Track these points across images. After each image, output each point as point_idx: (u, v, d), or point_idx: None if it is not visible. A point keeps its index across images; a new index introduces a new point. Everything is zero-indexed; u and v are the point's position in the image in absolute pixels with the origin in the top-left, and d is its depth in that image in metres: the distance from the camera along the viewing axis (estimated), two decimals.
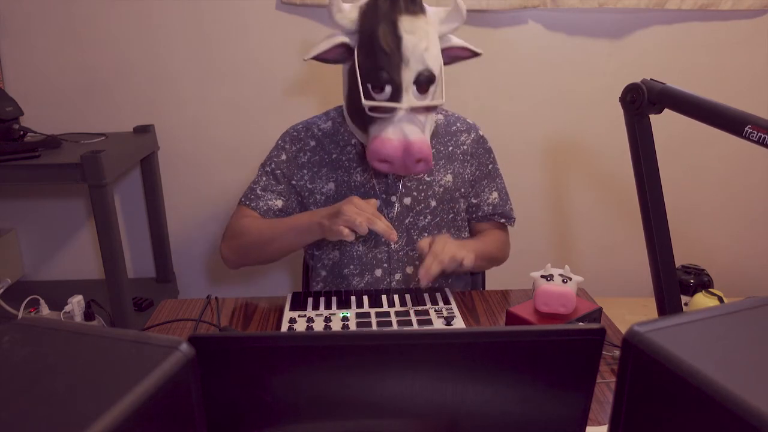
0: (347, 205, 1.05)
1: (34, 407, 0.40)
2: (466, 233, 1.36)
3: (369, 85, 1.05)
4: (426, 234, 1.26)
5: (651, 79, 0.94)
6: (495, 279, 1.60)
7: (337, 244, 1.26)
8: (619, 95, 0.96)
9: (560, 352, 0.56)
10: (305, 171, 1.25)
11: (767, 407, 0.39)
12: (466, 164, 1.30)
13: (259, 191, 1.26)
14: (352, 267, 1.25)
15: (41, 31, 1.82)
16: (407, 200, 1.25)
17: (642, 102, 0.93)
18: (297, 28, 1.83)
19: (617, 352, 0.99)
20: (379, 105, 1.05)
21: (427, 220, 1.26)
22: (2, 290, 1.79)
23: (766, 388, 0.41)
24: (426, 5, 1.08)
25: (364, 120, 1.09)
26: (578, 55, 1.90)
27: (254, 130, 1.93)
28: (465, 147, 1.29)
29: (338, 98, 1.21)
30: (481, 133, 1.33)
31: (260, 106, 1.91)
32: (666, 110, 0.93)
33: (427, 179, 1.26)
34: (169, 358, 0.44)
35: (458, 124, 1.31)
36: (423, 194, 1.25)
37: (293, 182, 1.26)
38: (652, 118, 0.95)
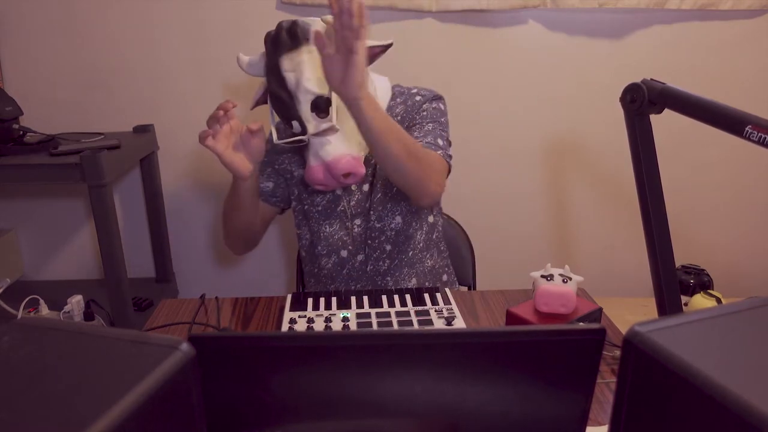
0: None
1: (34, 407, 0.39)
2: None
3: (284, 123, 1.17)
4: (388, 206, 1.30)
5: (651, 79, 0.94)
6: (495, 279, 1.60)
7: (310, 227, 1.35)
8: (619, 95, 0.96)
9: (560, 352, 0.56)
10: (284, 156, 1.35)
11: (767, 407, 0.39)
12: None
13: None
14: (319, 248, 1.33)
15: (41, 31, 1.82)
16: (366, 186, 1.30)
17: (642, 102, 0.93)
18: None
19: (617, 352, 0.99)
20: (286, 141, 1.17)
21: (388, 197, 1.29)
22: (2, 290, 1.78)
23: (766, 388, 0.41)
24: (312, 21, 1.12)
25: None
26: (578, 55, 1.90)
27: None
28: (398, 119, 1.28)
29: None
30: (420, 98, 1.28)
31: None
32: (666, 110, 0.93)
33: None
34: (169, 358, 0.44)
35: (398, 99, 1.30)
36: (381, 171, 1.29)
37: (276, 166, 1.36)
38: (652, 118, 0.95)
